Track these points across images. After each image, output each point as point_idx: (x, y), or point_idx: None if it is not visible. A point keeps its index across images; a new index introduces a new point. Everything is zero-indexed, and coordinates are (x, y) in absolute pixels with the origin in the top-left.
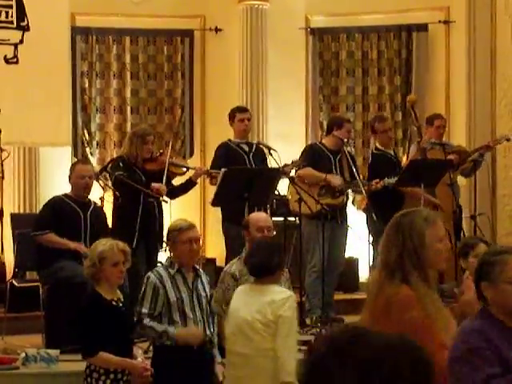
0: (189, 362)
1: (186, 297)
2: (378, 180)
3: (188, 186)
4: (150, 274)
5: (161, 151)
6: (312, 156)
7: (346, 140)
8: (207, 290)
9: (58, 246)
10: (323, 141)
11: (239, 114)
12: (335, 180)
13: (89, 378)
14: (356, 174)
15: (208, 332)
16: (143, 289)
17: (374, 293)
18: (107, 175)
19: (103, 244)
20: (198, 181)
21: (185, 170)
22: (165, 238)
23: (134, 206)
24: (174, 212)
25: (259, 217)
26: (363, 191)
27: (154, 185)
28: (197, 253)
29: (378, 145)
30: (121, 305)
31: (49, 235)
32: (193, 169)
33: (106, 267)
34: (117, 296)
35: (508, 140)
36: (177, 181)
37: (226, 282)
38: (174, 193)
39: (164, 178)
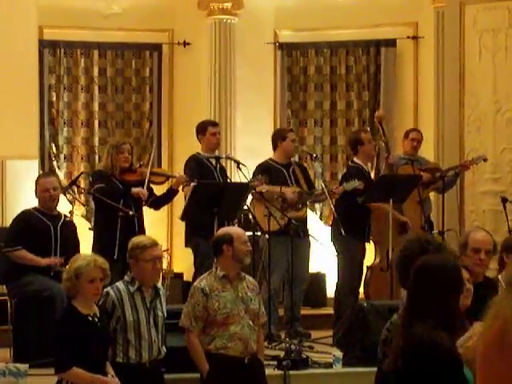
0: (141, 379)
1: (143, 318)
2: (336, 186)
3: (170, 194)
4: (109, 289)
5: (141, 163)
6: (265, 173)
7: (314, 155)
8: (164, 309)
9: (30, 263)
10: (273, 157)
11: (212, 128)
12: (289, 193)
13: None
14: (311, 182)
15: (162, 351)
16: (100, 303)
17: (491, 314)
18: (81, 189)
19: (82, 259)
20: (180, 188)
21: (165, 178)
22: None
23: (114, 220)
24: None
25: (240, 231)
26: (326, 194)
27: (134, 189)
28: (160, 271)
29: (356, 159)
30: (96, 320)
31: (20, 252)
32: (173, 177)
33: (82, 283)
34: (93, 311)
35: (485, 160)
36: (158, 190)
37: (195, 297)
38: (157, 203)
39: (145, 185)
